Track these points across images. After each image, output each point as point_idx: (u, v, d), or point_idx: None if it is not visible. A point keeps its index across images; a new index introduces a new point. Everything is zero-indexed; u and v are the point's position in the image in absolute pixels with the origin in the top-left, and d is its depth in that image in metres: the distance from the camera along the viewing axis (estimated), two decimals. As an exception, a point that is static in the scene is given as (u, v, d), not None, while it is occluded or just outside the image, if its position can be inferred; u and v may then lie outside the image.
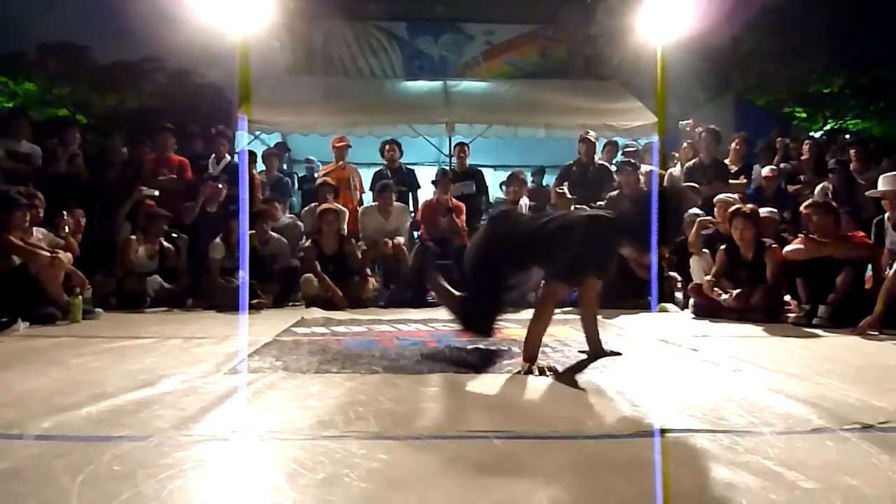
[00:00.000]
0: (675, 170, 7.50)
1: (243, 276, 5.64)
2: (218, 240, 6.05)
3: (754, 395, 2.26)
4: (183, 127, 8.18)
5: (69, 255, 5.10)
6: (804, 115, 13.17)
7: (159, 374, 2.62)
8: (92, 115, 13.30)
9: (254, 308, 5.49)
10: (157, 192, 6.59)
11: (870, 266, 4.83)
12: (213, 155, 7.32)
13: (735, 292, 4.94)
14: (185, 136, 7.96)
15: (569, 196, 6.22)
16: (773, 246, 4.93)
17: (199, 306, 5.79)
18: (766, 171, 7.07)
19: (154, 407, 2.10)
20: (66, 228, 5.42)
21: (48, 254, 4.78)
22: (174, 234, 6.41)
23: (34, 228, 5.03)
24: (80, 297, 4.76)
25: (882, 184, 4.79)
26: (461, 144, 8.04)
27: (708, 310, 5.10)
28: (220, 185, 6.81)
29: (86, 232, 5.92)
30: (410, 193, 7.95)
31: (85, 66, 14.34)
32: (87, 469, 1.50)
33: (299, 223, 7.28)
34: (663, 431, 1.81)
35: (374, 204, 6.97)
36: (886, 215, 4.78)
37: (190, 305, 5.89)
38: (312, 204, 7.03)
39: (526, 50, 12.79)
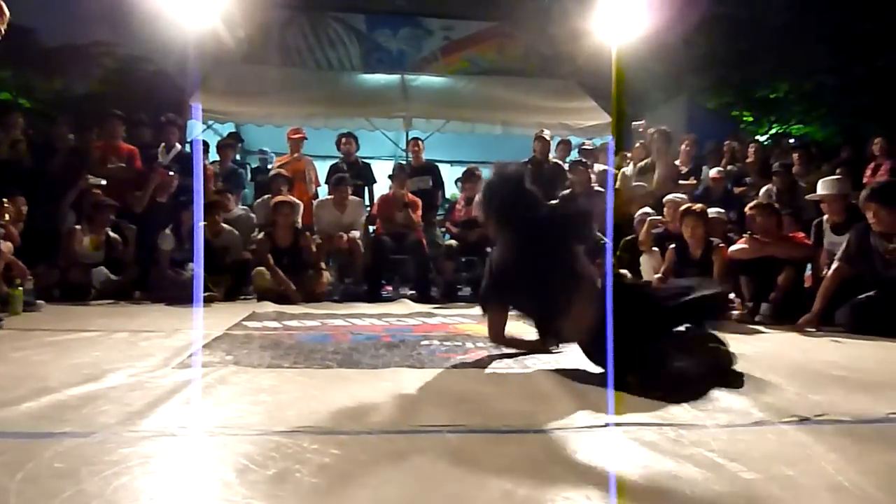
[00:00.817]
0: (628, 169, 7.66)
1: (195, 269, 5.53)
2: (168, 231, 5.92)
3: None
4: (133, 114, 7.95)
5: (9, 244, 4.92)
6: (751, 118, 13.53)
7: (104, 369, 2.55)
8: (36, 100, 12.74)
9: (204, 301, 5.38)
10: (104, 181, 6.40)
11: (809, 266, 5.05)
12: (163, 144, 7.14)
13: (683, 290, 5.08)
14: (135, 123, 7.74)
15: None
16: (721, 245, 5.08)
17: (147, 299, 5.66)
18: (713, 172, 7.27)
19: (99, 402, 2.04)
20: (7, 216, 5.23)
21: (-13, 243, 4.61)
22: (122, 224, 6.23)
23: (-28, 217, 4.84)
24: (21, 288, 4.59)
25: (821, 188, 5.01)
26: (415, 139, 8.04)
27: (657, 307, 5.22)
28: (171, 172, 6.65)
29: (28, 220, 5.71)
30: (367, 187, 7.90)
31: (30, 48, 13.72)
32: (26, 466, 1.46)
33: (252, 215, 7.17)
34: (612, 425, 1.86)
35: (329, 197, 6.91)
36: (825, 217, 4.99)
37: (137, 298, 5.75)
38: (266, 196, 6.94)
39: (484, 47, 12.83)
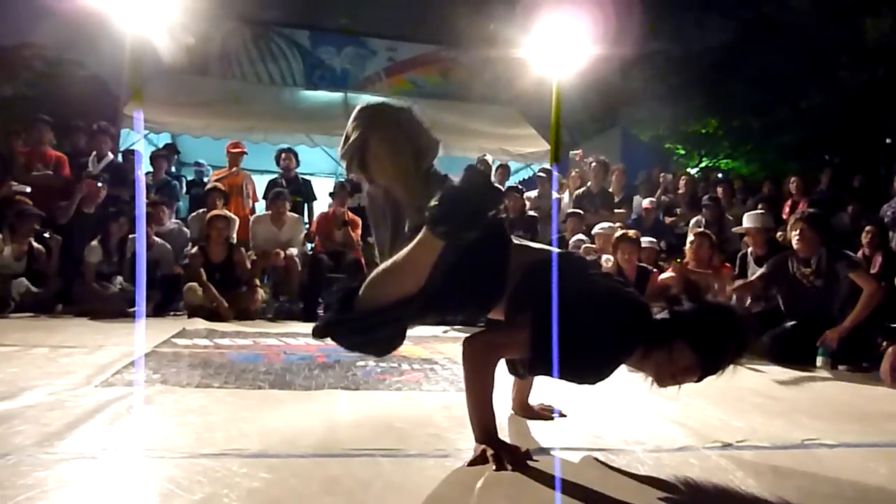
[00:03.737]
0: (564, 197, 7.84)
1: (137, 282, 5.35)
2: (95, 242, 5.70)
3: (629, 415, 2.39)
4: (63, 121, 7.65)
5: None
6: (683, 152, 14.12)
7: (21, 386, 2.42)
8: (-44, 102, 12.12)
9: (132, 317, 5.20)
10: (28, 189, 6.12)
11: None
12: (94, 152, 6.90)
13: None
14: (65, 130, 7.44)
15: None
16: (653, 272, 5.26)
17: (69, 313, 5.43)
18: (645, 202, 7.54)
19: (14, 422, 1.94)
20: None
21: None
22: (46, 235, 5.96)
23: None
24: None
25: (747, 221, 5.26)
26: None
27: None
28: (99, 184, 6.42)
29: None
30: (306, 204, 7.81)
31: (-49, 47, 13.08)
32: (-69, 491, 1.37)
33: (185, 229, 6.98)
34: (544, 450, 1.88)
35: (266, 213, 6.79)
36: (749, 250, 5.24)
37: (59, 312, 5.50)
38: (201, 210, 6.77)
39: (428, 69, 12.93)
